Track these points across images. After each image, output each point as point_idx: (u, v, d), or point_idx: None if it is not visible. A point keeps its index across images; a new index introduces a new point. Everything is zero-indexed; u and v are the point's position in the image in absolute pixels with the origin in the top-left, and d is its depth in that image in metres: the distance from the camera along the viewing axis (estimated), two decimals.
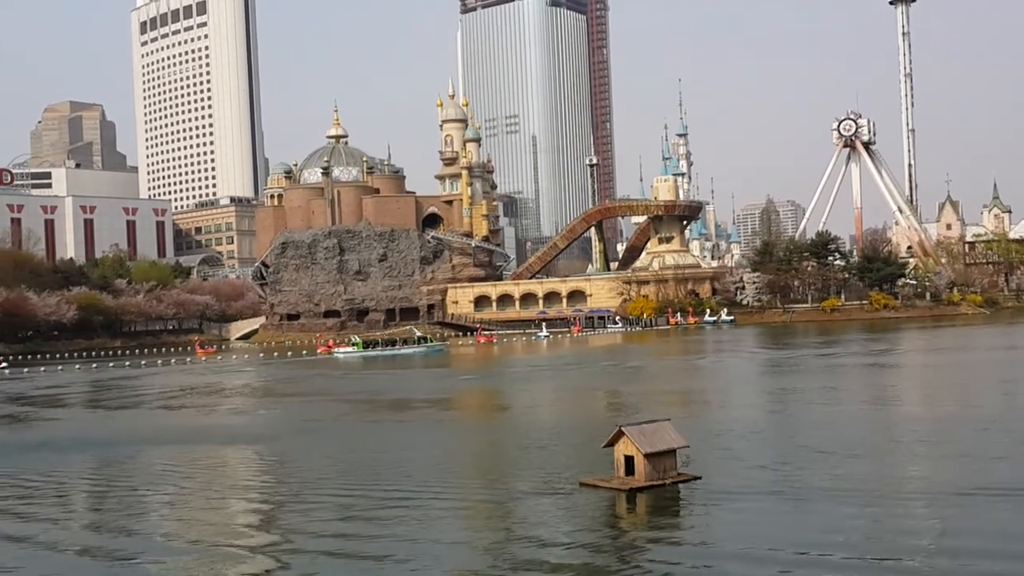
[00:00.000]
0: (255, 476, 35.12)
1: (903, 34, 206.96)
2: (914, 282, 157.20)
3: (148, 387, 79.36)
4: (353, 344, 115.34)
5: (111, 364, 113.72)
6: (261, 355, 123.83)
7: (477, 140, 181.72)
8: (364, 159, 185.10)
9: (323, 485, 31.43)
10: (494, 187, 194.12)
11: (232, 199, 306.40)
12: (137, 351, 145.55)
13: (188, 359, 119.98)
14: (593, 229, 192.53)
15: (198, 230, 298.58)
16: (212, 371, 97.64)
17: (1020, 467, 29.35)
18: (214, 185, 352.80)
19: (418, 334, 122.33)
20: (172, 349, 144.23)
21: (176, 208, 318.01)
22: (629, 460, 28.39)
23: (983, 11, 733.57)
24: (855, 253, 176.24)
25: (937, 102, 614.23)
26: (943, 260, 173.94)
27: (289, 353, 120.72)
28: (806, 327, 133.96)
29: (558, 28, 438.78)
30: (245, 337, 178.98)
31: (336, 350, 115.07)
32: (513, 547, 23.14)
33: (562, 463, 33.81)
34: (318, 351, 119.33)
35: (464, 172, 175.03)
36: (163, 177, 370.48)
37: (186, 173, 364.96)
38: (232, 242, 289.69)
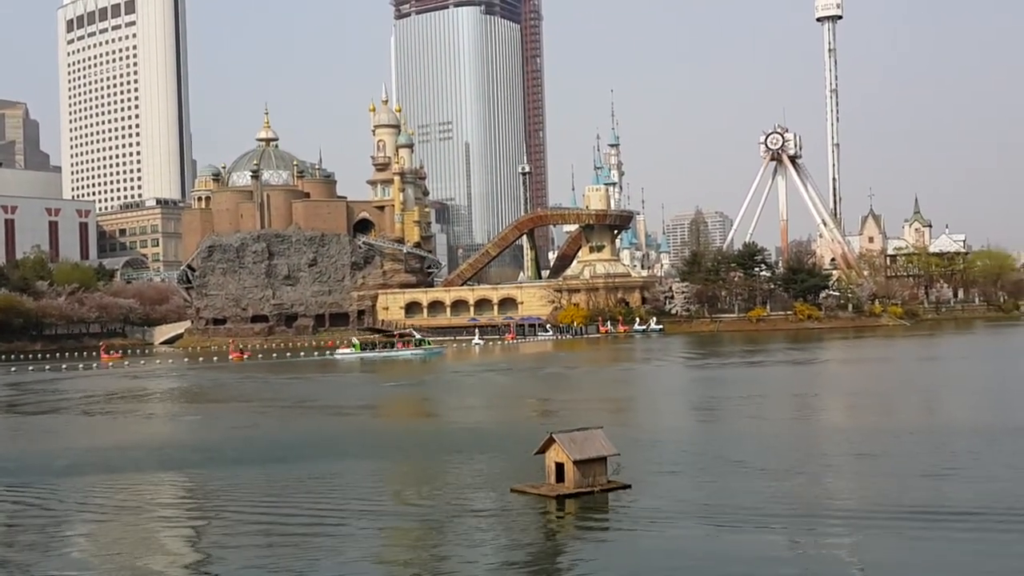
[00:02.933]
0: (174, 489, 34.40)
1: (829, 50, 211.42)
2: (837, 294, 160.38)
3: (69, 392, 77.33)
4: (352, 346, 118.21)
5: (31, 368, 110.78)
6: (186, 360, 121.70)
7: (410, 146, 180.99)
8: (295, 163, 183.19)
9: (247, 498, 30.54)
10: (426, 193, 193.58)
11: (158, 201, 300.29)
12: (58, 354, 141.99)
13: (110, 364, 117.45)
14: (525, 237, 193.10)
15: (122, 232, 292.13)
16: (134, 376, 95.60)
17: (941, 485, 29.22)
18: (140, 186, 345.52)
19: (417, 336, 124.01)
20: (94, 353, 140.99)
21: (100, 209, 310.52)
22: (560, 467, 28.48)
23: (907, 29, 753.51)
24: (780, 264, 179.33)
25: (861, 118, 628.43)
26: (865, 272, 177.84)
27: (215, 358, 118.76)
28: (733, 336, 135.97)
29: (492, 36, 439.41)
30: (170, 342, 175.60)
31: (338, 351, 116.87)
32: (440, 556, 23.03)
33: (494, 469, 33.78)
34: (229, 357, 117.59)
35: (396, 178, 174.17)
36: (87, 178, 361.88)
37: (111, 174, 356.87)
38: (157, 245, 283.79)
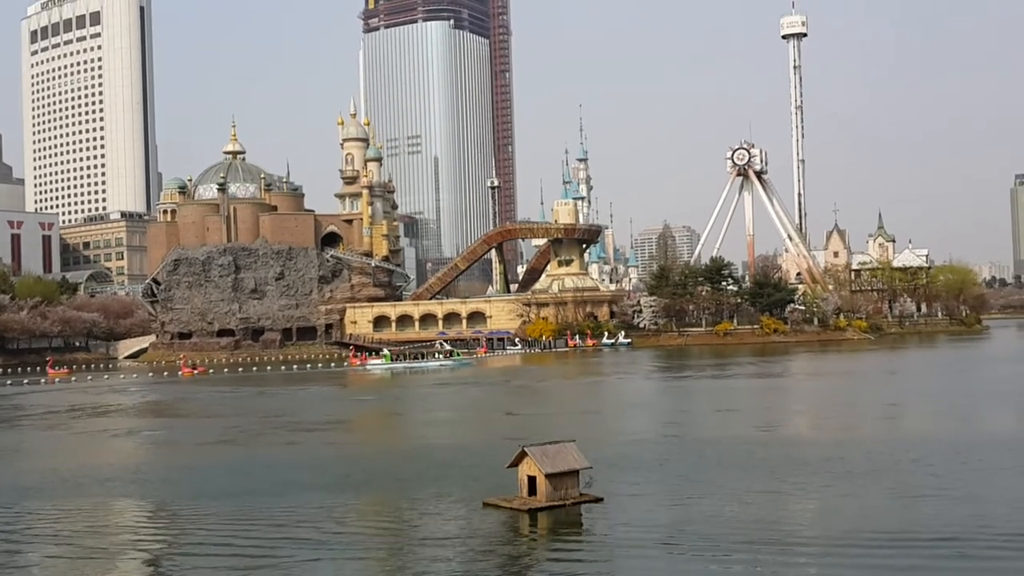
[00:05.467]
0: (138, 505, 33.98)
1: (794, 68, 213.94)
2: (803, 308, 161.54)
3: (27, 408, 76.28)
4: (383, 357, 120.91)
5: None
6: (151, 375, 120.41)
7: (378, 159, 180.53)
8: (262, 176, 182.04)
9: (210, 525, 29.44)
10: (395, 207, 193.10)
11: (123, 214, 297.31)
12: (20, 369, 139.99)
13: (73, 379, 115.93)
14: (494, 251, 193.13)
15: (86, 245, 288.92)
16: (99, 391, 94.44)
17: (920, 507, 28.50)
18: (104, 199, 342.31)
19: (447, 347, 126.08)
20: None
21: (64, 222, 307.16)
22: (532, 480, 28.45)
23: (871, 47, 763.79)
24: (747, 279, 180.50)
25: (826, 134, 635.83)
26: (830, 287, 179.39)
27: (180, 374, 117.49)
28: (700, 350, 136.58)
29: (461, 51, 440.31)
30: (134, 356, 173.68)
31: (369, 363, 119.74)
32: (409, 570, 22.90)
33: (466, 482, 33.66)
34: (180, 372, 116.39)
35: (365, 191, 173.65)
36: (51, 190, 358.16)
37: (75, 186, 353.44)
38: (122, 258, 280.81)
